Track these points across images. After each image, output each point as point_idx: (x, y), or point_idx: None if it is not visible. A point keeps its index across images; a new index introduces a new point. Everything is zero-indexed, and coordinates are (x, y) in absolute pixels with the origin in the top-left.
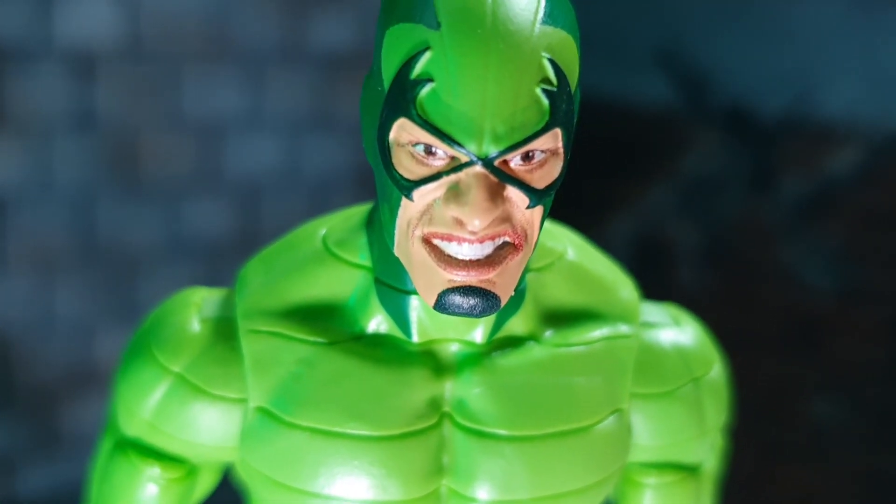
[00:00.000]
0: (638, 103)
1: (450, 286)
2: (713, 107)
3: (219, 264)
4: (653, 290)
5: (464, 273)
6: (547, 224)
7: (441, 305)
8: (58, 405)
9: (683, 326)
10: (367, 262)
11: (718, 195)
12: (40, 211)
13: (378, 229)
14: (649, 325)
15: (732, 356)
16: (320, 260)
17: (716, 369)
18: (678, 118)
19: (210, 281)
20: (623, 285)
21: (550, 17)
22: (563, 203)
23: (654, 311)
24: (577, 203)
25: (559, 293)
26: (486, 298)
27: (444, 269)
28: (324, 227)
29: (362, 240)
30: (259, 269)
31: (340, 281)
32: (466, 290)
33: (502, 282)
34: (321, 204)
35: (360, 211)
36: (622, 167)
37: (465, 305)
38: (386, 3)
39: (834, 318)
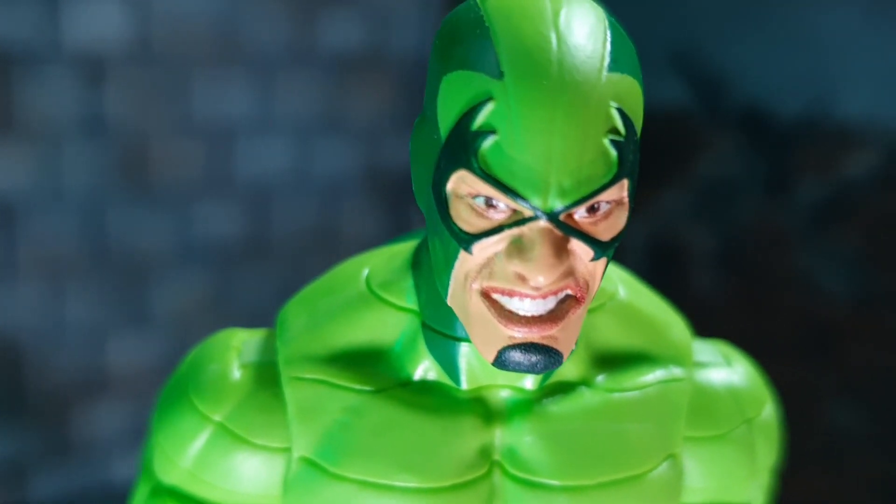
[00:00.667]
0: (653, 106)
1: (511, 343)
2: (729, 110)
3: (230, 268)
4: (668, 294)
5: (526, 330)
6: None
7: (501, 362)
8: (69, 411)
9: (735, 366)
10: (414, 306)
11: (734, 199)
12: (50, 217)
13: (425, 272)
14: (700, 365)
15: (749, 361)
16: (365, 303)
17: (767, 409)
18: (694, 121)
19: (221, 284)
20: (675, 325)
21: (616, 63)
22: None
23: (705, 350)
24: None
25: (611, 335)
26: (548, 355)
27: (505, 326)
28: (366, 266)
29: (408, 282)
30: (300, 312)
31: (386, 325)
32: (528, 347)
33: (564, 336)
34: (332, 206)
35: (404, 250)
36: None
37: (527, 363)
38: (441, 47)
39: (851, 324)
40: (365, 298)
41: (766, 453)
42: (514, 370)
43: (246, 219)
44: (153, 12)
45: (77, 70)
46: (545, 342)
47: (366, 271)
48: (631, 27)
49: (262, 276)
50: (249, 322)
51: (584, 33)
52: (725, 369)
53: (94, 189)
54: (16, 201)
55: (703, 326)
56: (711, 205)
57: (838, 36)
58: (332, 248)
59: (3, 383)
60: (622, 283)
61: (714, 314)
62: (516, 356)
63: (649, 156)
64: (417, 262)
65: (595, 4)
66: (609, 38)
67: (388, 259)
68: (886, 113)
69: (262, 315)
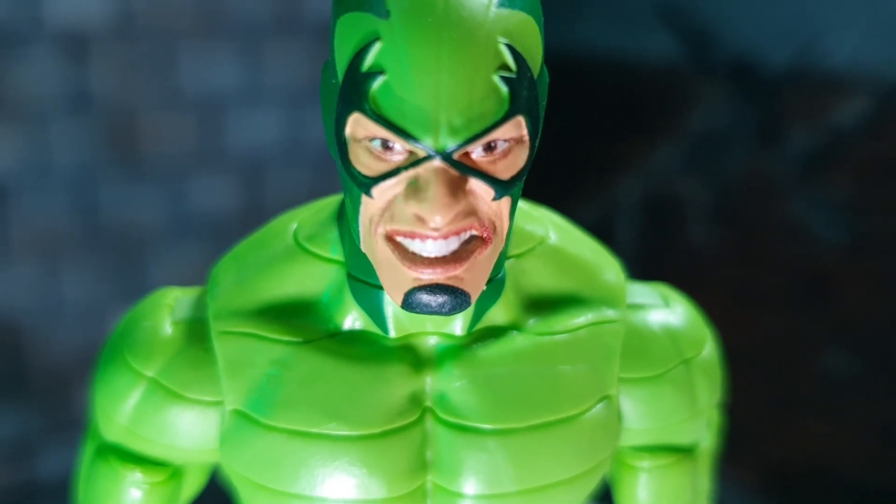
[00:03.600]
0: (641, 60)
1: (416, 285)
2: (717, 61)
3: (225, 240)
4: (663, 248)
5: (430, 271)
6: (527, 207)
7: (409, 304)
8: (71, 389)
9: (673, 307)
10: (340, 257)
11: (725, 150)
12: (41, 196)
13: (348, 222)
14: (637, 307)
15: (743, 311)
16: (292, 256)
17: (707, 349)
18: (682, 74)
19: (216, 257)
20: (608, 267)
21: (508, 0)
22: (567, 165)
23: (642, 292)
24: (581, 164)
25: (541, 279)
26: (454, 296)
27: (409, 268)
28: (295, 221)
29: (334, 233)
30: (230, 268)
31: (313, 277)
32: (434, 288)
33: (471, 277)
34: (325, 175)
35: (330, 203)
36: (627, 126)
37: (434, 304)
38: None
39: (843, 270)
40: (292, 252)
41: (708, 393)
42: (422, 312)
43: (239, 190)
44: None
45: (61, 48)
46: (451, 283)
47: (294, 225)
48: None
49: None
50: None
51: None
52: (663, 310)
53: (84, 166)
54: (6, 181)
55: (699, 278)
56: (703, 157)
57: None
58: None
59: (3, 364)
60: (554, 228)
61: (709, 265)
62: (423, 297)
63: (639, 110)
64: (342, 214)
65: None
66: None
67: (315, 212)
68: (874, 59)
69: None
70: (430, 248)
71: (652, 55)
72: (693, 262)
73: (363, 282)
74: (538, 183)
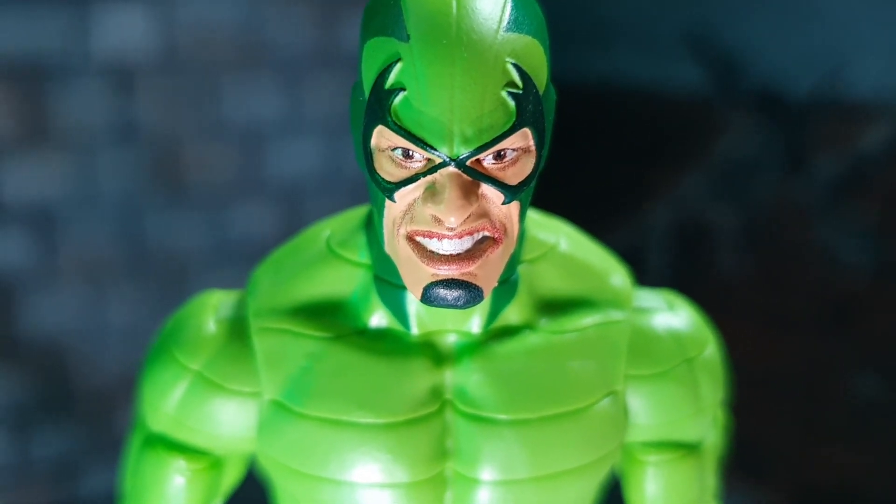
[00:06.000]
0: (668, 89)
1: (434, 280)
2: (744, 89)
3: None
4: (692, 274)
5: (445, 267)
6: (539, 216)
7: (427, 298)
8: (114, 410)
9: (677, 310)
10: (367, 261)
11: (753, 177)
12: (88, 223)
13: (374, 228)
14: (643, 311)
15: (772, 336)
16: (324, 260)
17: (710, 349)
18: (709, 102)
19: None
20: (615, 272)
21: (515, 24)
22: (597, 194)
23: (648, 297)
24: (611, 192)
25: (552, 282)
26: (468, 290)
27: (427, 265)
28: (327, 228)
29: (362, 239)
30: (269, 271)
31: (343, 279)
32: (450, 283)
33: (484, 274)
34: (362, 202)
35: (360, 212)
36: (655, 154)
37: (450, 297)
38: (365, 19)
39: (870, 295)
40: (325, 256)
41: (712, 391)
42: (439, 305)
43: (278, 219)
44: (179, 20)
45: (107, 80)
46: (465, 278)
47: (327, 232)
48: (643, 11)
49: None
50: None
51: None
52: (668, 314)
53: (129, 194)
54: (55, 209)
55: (728, 303)
56: (731, 184)
57: (849, 10)
58: None
59: (51, 385)
60: (564, 236)
61: (738, 291)
62: (440, 292)
63: (668, 139)
64: (370, 221)
65: None
66: (510, 2)
67: (345, 220)
68: None
69: None
70: (447, 246)
71: (680, 85)
72: (722, 288)
73: (388, 283)
74: (569, 210)
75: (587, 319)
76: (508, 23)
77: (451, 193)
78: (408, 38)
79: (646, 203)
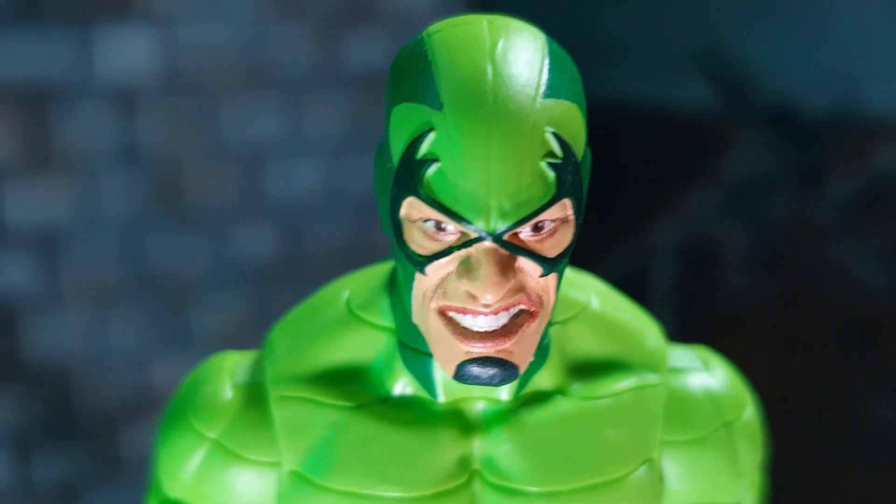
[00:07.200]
0: (679, 107)
1: (468, 357)
2: (756, 107)
3: (267, 287)
4: (701, 295)
5: (480, 345)
6: (571, 273)
7: (460, 376)
8: (117, 432)
9: (713, 370)
10: (390, 324)
11: (765, 197)
12: (90, 245)
13: (399, 292)
14: (678, 371)
15: (787, 359)
16: (345, 323)
17: (748, 411)
18: (721, 120)
19: (259, 304)
20: (649, 332)
21: (552, 90)
22: (606, 213)
23: (682, 356)
24: (620, 212)
25: (584, 345)
26: (504, 368)
27: (461, 342)
28: (347, 289)
29: (384, 302)
30: (286, 334)
31: (365, 344)
32: (484, 361)
33: (520, 350)
34: (364, 223)
35: (381, 272)
36: (666, 173)
37: (484, 376)
38: (392, 81)
39: (889, 317)
40: (345, 319)
41: (750, 454)
42: (473, 383)
43: (280, 239)
44: (181, 42)
45: (110, 102)
46: (500, 355)
47: (346, 293)
48: (653, 29)
49: (297, 293)
50: None
51: (521, 63)
52: (703, 374)
53: (131, 216)
54: (58, 231)
55: (738, 324)
56: (742, 203)
57: (864, 28)
58: (365, 264)
59: (54, 408)
60: (596, 294)
61: (750, 313)
62: (474, 370)
63: (678, 158)
64: (393, 283)
65: (536, 33)
66: (547, 66)
67: (366, 280)
68: None
69: None
70: (482, 322)
71: (690, 102)
72: (733, 309)
73: (413, 349)
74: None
75: (622, 383)
76: (546, 88)
77: (487, 270)
78: (441, 106)
79: (653, 222)
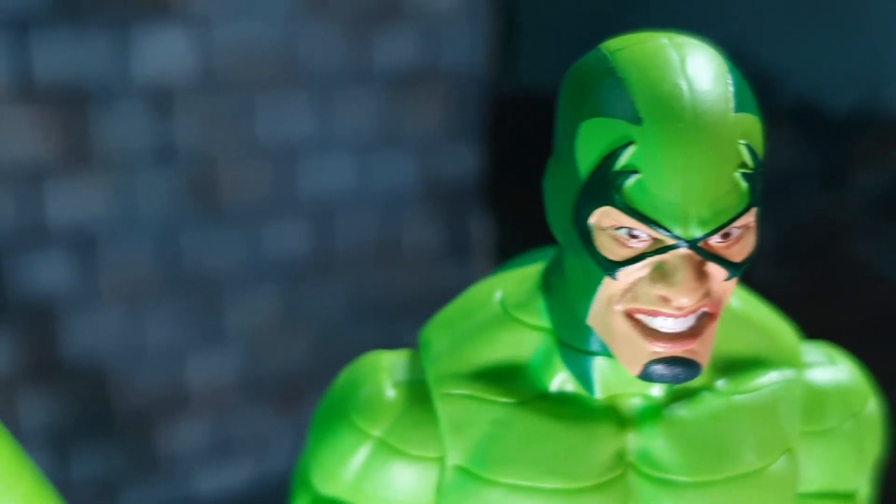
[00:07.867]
0: None
1: (654, 357)
2: (782, 105)
3: (298, 283)
4: None
5: (669, 345)
6: None
7: (647, 375)
8: (154, 429)
9: (839, 364)
10: (547, 324)
11: (790, 193)
12: (127, 244)
13: (557, 294)
14: (809, 366)
15: None
16: (502, 323)
17: (871, 404)
18: None
19: (291, 299)
20: (785, 331)
21: (740, 104)
22: None
23: (812, 352)
24: None
25: (728, 343)
26: (689, 367)
27: (650, 343)
28: (498, 290)
29: (540, 303)
30: (442, 334)
31: (522, 343)
32: (671, 361)
33: (702, 350)
34: (393, 219)
35: (532, 274)
36: None
37: (671, 375)
38: (572, 97)
39: None
40: (501, 319)
41: (872, 446)
42: (659, 382)
43: (311, 235)
44: (216, 42)
45: (147, 102)
46: (686, 355)
47: (499, 294)
48: (679, 27)
49: (328, 289)
50: (318, 334)
51: (710, 78)
52: (831, 368)
53: (167, 215)
54: (95, 230)
55: None
56: (769, 200)
57: (889, 26)
58: (394, 260)
59: (90, 405)
60: (735, 295)
61: (776, 308)
62: (660, 370)
63: None
64: (548, 285)
65: (713, 51)
66: (731, 81)
67: (518, 282)
68: None
69: (330, 327)
70: (671, 325)
71: None
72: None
73: (573, 348)
74: None
75: (763, 379)
76: (735, 103)
77: (685, 275)
78: (640, 120)
79: None
